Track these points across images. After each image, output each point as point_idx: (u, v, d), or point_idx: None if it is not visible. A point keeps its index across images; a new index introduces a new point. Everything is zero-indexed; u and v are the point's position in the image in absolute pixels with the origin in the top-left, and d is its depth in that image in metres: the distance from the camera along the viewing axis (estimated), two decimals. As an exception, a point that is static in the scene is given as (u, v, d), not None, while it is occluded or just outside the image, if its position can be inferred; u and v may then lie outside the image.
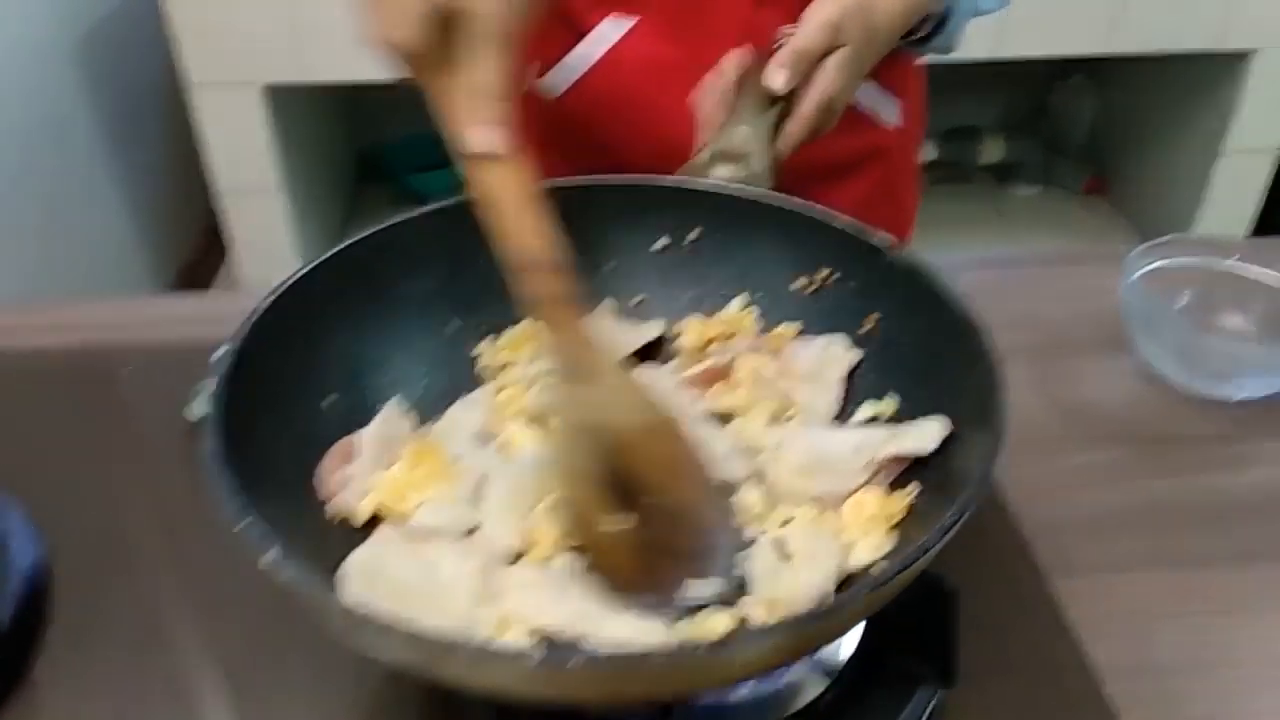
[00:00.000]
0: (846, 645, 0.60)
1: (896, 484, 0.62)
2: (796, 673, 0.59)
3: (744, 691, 0.58)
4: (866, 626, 0.61)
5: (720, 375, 0.69)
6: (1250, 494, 0.74)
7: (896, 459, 0.61)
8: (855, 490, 0.61)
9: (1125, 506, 0.73)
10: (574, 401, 0.59)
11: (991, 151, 2.81)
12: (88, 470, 0.78)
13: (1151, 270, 0.86)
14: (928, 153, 2.80)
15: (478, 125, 0.56)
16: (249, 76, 2.10)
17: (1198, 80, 2.36)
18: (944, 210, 2.79)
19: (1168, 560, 0.70)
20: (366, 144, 2.86)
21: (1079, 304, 0.92)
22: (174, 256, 2.49)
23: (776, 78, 0.72)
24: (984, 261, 1.03)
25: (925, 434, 0.60)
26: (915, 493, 0.60)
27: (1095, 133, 2.87)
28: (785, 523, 0.61)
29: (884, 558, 0.57)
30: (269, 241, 2.28)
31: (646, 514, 0.57)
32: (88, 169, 2.14)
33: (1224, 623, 0.66)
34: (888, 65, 0.95)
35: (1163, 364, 0.84)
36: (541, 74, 0.97)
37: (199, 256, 2.56)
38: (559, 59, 0.96)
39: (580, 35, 0.94)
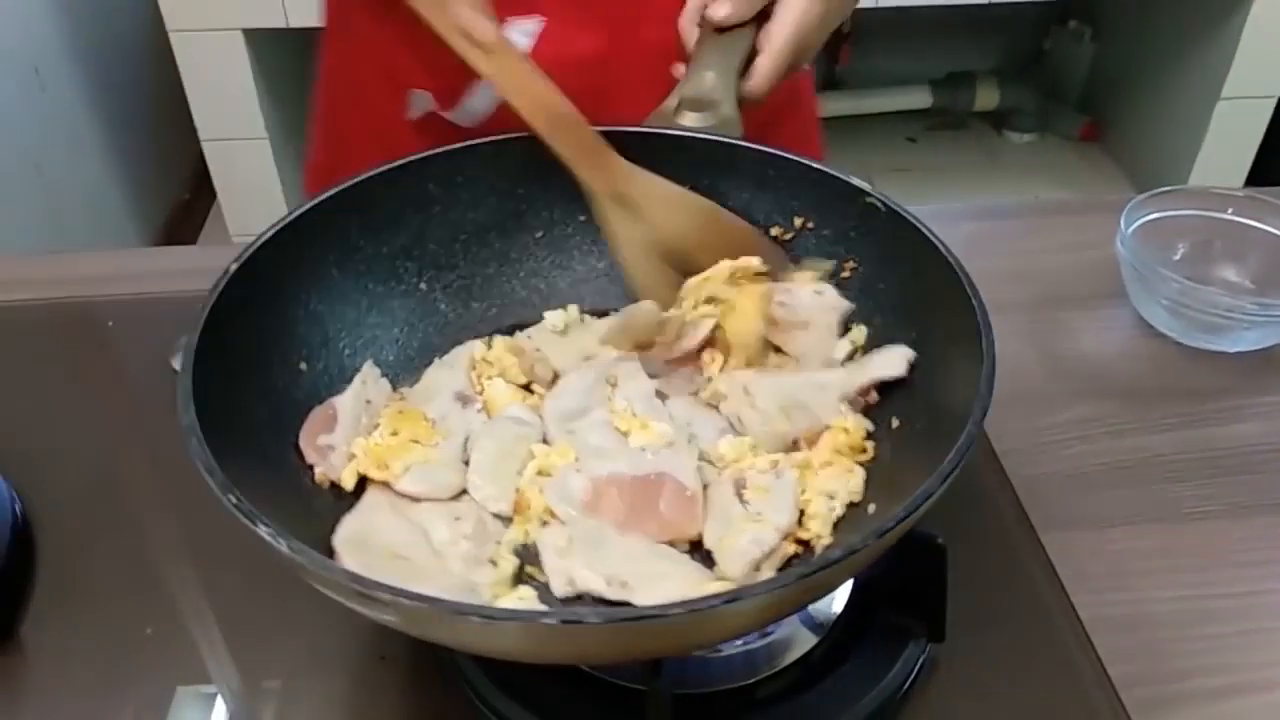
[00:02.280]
0: (837, 601, 0.61)
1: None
2: (786, 628, 0.59)
3: (734, 646, 0.58)
4: (857, 582, 0.61)
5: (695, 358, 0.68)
6: (1244, 447, 0.74)
7: (868, 387, 0.62)
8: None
9: (1118, 460, 0.73)
10: (632, 230, 0.67)
11: (986, 98, 2.78)
12: (72, 425, 0.77)
13: (1148, 222, 0.85)
14: (922, 99, 2.77)
15: (468, 17, 0.62)
16: (228, 22, 2.06)
17: (1195, 25, 2.33)
18: (938, 157, 2.77)
19: (1159, 514, 0.70)
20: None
21: (1074, 256, 0.91)
22: (163, 204, 2.47)
23: (719, 10, 0.70)
24: (978, 212, 1.01)
25: (891, 360, 0.61)
26: (888, 422, 0.61)
27: (1092, 79, 2.84)
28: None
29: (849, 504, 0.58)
30: (256, 190, 2.26)
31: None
32: (71, 118, 2.11)
33: (1214, 576, 0.66)
34: None
35: (1158, 317, 0.83)
36: (451, 103, 0.87)
37: (189, 202, 2.54)
38: (466, 83, 0.85)
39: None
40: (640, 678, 0.56)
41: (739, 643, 0.58)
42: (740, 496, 0.57)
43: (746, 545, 0.54)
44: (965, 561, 0.59)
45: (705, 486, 0.59)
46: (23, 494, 0.69)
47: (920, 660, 0.58)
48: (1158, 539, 0.68)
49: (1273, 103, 2.31)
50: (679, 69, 0.74)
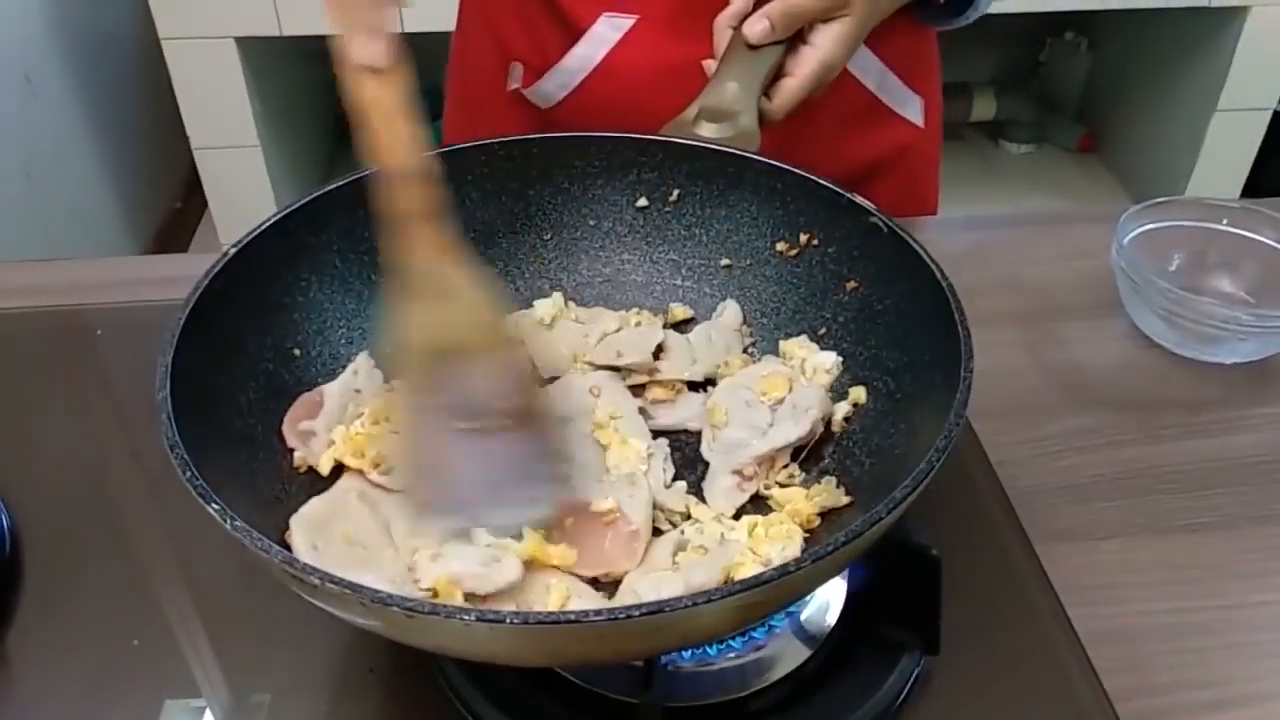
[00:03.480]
0: (830, 613, 0.60)
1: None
2: (779, 641, 0.59)
3: (726, 658, 0.58)
4: (850, 595, 0.61)
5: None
6: (1238, 459, 0.74)
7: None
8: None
9: (1112, 472, 0.73)
10: (423, 320, 0.55)
11: (983, 108, 2.78)
12: (60, 434, 0.77)
13: (1143, 232, 0.85)
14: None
15: (360, 34, 0.53)
16: (220, 30, 2.06)
17: (1192, 37, 2.34)
18: (935, 168, 2.77)
19: (1153, 526, 0.69)
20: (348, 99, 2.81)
21: (1070, 266, 0.91)
22: (154, 212, 2.46)
23: (755, 26, 0.71)
24: (974, 222, 1.01)
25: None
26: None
27: (1088, 90, 2.84)
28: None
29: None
30: (248, 198, 2.26)
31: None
32: (63, 125, 2.11)
33: (1207, 589, 0.65)
34: (910, 62, 0.94)
35: (1154, 327, 0.83)
36: (533, 81, 0.90)
37: (181, 210, 2.53)
38: (553, 63, 0.88)
39: (576, 36, 0.87)
40: (631, 690, 0.55)
41: (731, 655, 0.58)
42: (674, 558, 0.57)
43: (646, 589, 0.54)
44: (960, 573, 0.59)
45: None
46: (9, 504, 0.68)
47: (914, 673, 0.58)
48: (1151, 551, 0.68)
49: (1268, 114, 2.32)
50: (710, 65, 0.74)
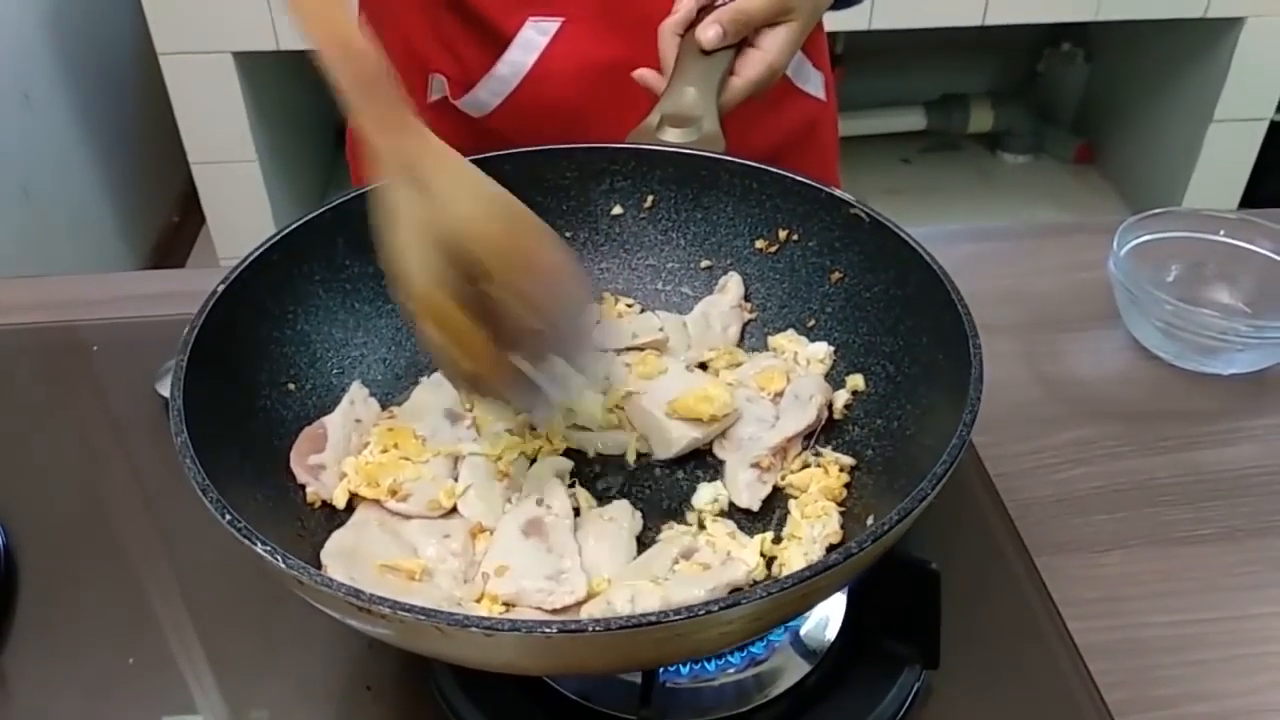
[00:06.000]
0: (830, 628, 0.60)
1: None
2: (778, 656, 0.59)
3: (726, 674, 0.58)
4: (850, 609, 0.60)
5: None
6: (1236, 471, 0.74)
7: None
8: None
9: (1112, 484, 0.73)
10: (413, 208, 0.52)
11: (981, 120, 2.79)
12: (56, 450, 0.76)
13: (1140, 244, 0.85)
14: (917, 121, 2.78)
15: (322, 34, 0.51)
16: (218, 44, 2.06)
17: (1188, 48, 2.35)
18: (932, 179, 2.78)
19: (1152, 538, 0.69)
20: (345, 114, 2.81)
21: (1068, 277, 0.91)
22: (152, 226, 2.47)
23: (708, 32, 0.71)
24: (972, 234, 1.02)
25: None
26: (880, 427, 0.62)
27: (1086, 101, 2.85)
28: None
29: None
30: (245, 212, 2.26)
31: (497, 306, 0.52)
32: (60, 141, 2.11)
33: (1206, 601, 0.65)
34: (810, 39, 0.95)
35: (1152, 339, 0.83)
36: (463, 92, 0.90)
37: (178, 225, 2.54)
38: (477, 72, 0.88)
39: (502, 43, 0.86)
40: (629, 707, 0.55)
41: (731, 670, 0.58)
42: (674, 566, 0.57)
43: (621, 600, 0.54)
44: (959, 586, 0.59)
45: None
46: (5, 520, 0.68)
47: (915, 687, 0.58)
48: (1151, 563, 0.67)
49: (1265, 125, 2.32)
50: (644, 76, 0.74)
